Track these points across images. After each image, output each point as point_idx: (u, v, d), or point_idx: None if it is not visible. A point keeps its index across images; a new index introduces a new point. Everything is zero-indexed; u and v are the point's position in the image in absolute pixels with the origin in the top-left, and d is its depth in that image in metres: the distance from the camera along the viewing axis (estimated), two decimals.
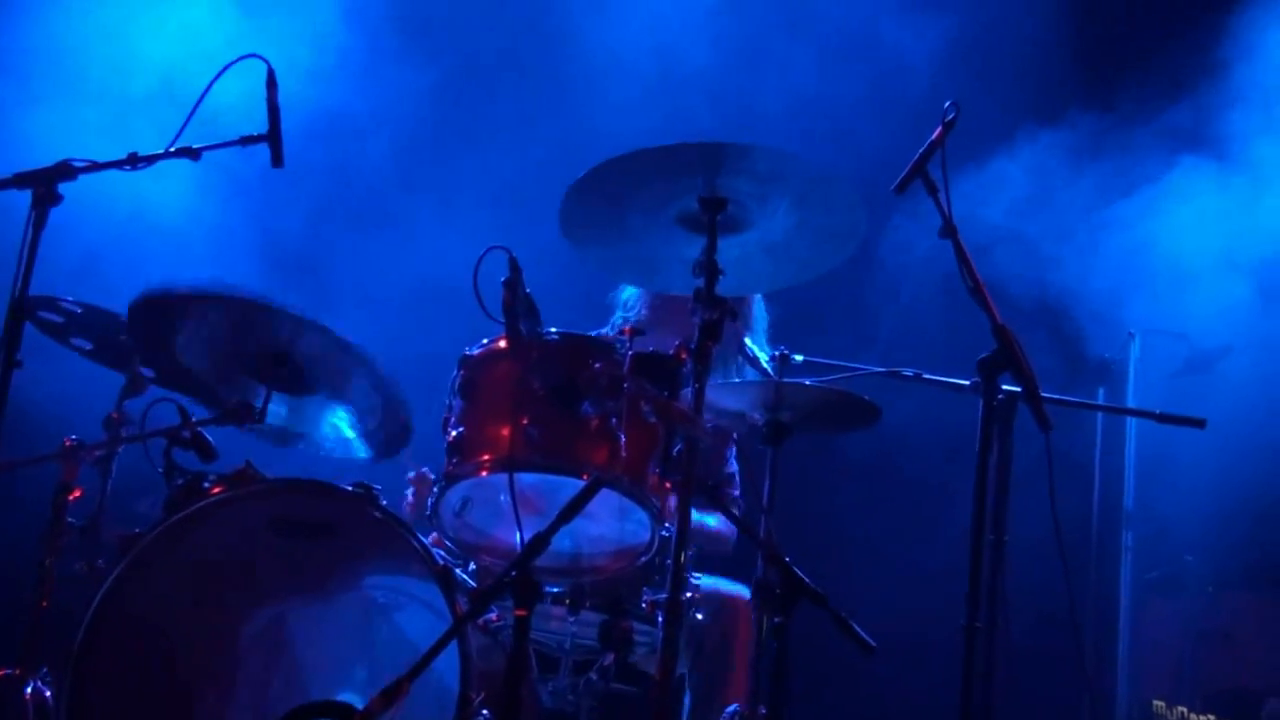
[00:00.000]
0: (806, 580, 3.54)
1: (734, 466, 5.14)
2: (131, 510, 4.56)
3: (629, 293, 5.22)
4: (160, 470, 3.96)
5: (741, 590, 4.61)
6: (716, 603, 4.55)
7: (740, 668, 4.53)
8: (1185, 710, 6.37)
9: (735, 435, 4.81)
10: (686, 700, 4.63)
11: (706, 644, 4.59)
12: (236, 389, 4.13)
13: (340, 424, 4.31)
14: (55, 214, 3.79)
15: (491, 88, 6.80)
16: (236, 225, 6.11)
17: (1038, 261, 6.12)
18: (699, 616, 4.25)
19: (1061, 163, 6.29)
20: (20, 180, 3.80)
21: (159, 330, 4.01)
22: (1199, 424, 4.49)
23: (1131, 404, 6.73)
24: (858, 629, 3.48)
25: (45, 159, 3.83)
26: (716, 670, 4.58)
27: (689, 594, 4.02)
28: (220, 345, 4.08)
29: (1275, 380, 6.34)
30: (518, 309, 3.58)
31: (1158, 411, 4.64)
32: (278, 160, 3.97)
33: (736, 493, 5.11)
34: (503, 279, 3.56)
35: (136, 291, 3.86)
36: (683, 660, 4.55)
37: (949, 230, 3.77)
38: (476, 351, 3.83)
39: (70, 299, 4.27)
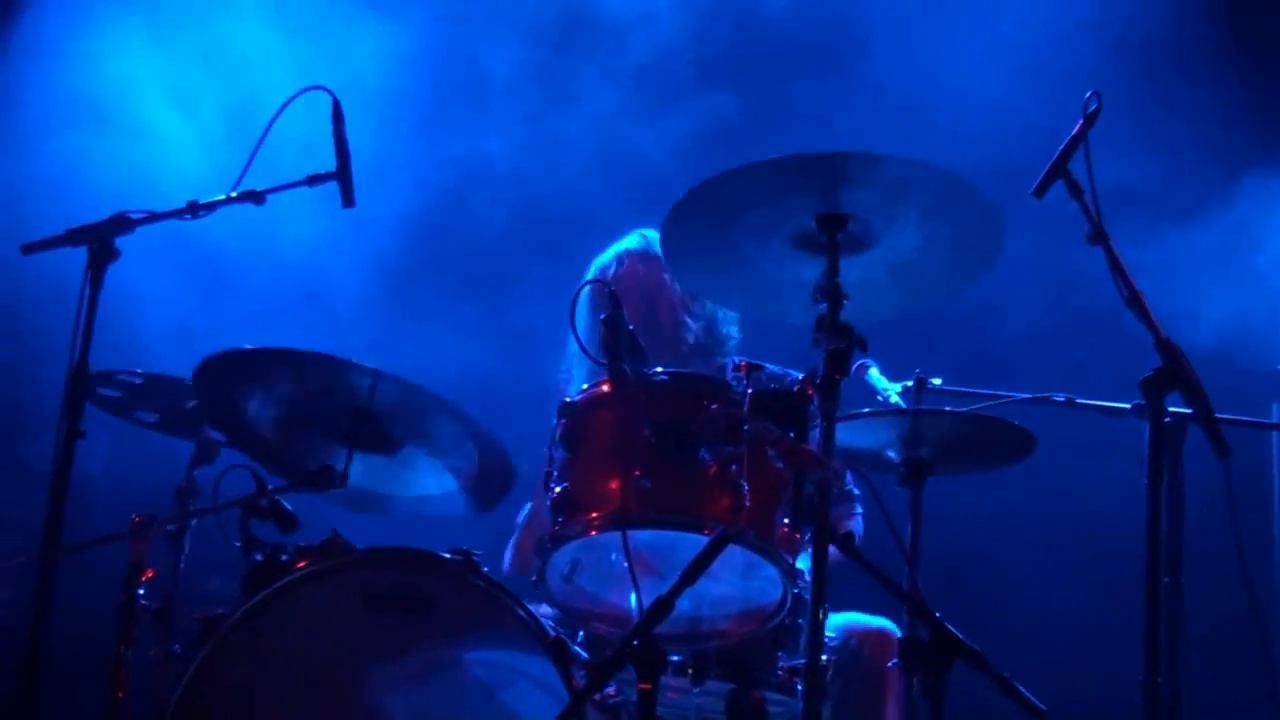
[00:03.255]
0: (961, 637, 3.16)
1: (854, 488, 4.82)
2: (201, 589, 4.30)
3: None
4: (237, 544, 3.70)
5: (883, 624, 4.28)
6: (849, 652, 4.23)
7: None
8: None
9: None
10: None
11: (845, 704, 4.20)
12: (314, 451, 3.88)
13: (433, 478, 4.04)
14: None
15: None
16: (319, 269, 5.91)
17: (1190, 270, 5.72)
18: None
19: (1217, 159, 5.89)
20: (73, 237, 3.62)
21: (228, 393, 3.79)
22: None
23: None
24: (1024, 691, 3.10)
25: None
26: None
27: (828, 658, 3.67)
28: (293, 405, 3.84)
29: None
30: (620, 348, 3.35)
31: None
32: (348, 200, 3.78)
33: (859, 509, 4.79)
34: (602, 315, 3.38)
35: (198, 354, 3.63)
36: None
37: (1098, 235, 3.43)
38: (578, 397, 3.54)
39: (127, 371, 4.04)
